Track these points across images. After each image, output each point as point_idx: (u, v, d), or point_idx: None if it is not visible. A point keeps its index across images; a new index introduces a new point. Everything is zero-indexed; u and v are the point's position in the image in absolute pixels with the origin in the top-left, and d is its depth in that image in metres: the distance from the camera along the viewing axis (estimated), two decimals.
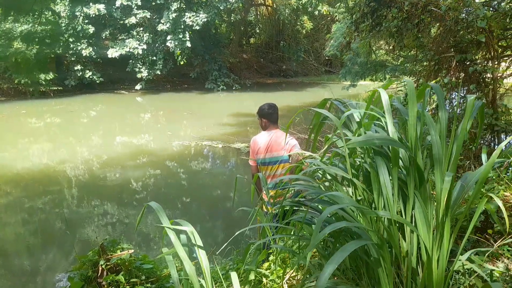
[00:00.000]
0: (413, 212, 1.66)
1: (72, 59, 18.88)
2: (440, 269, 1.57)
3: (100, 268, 2.17)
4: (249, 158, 3.56)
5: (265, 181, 2.77)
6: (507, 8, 4.13)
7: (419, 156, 1.69)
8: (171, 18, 18.52)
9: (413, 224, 1.67)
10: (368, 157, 1.82)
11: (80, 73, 19.08)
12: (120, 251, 2.34)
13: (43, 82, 17.72)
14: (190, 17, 18.69)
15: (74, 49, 18.45)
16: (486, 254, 1.89)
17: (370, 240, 1.58)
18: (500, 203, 1.51)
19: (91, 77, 19.30)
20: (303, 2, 24.07)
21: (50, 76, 17.86)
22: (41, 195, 7.15)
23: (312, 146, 2.27)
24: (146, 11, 18.81)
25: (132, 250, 2.37)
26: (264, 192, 2.84)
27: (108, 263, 2.20)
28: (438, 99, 1.85)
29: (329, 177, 2.10)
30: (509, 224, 1.70)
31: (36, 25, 16.16)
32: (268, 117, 3.44)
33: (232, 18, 22.48)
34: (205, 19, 18.85)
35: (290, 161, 3.37)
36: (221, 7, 19.72)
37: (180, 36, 18.68)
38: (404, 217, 1.71)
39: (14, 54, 16.85)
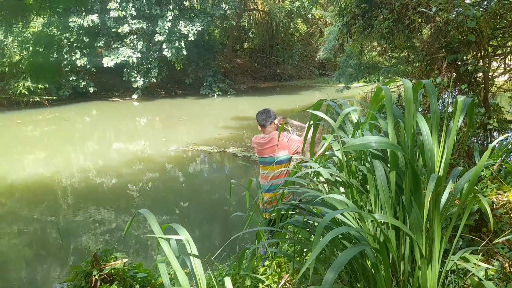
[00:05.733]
0: (406, 214, 1.66)
1: (67, 69, 18.80)
2: (433, 270, 1.56)
3: (94, 279, 2.14)
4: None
5: (259, 185, 2.76)
6: (497, 7, 4.16)
7: (414, 159, 1.68)
8: (166, 27, 18.48)
9: (407, 226, 1.66)
10: (365, 160, 1.80)
11: (75, 83, 19.02)
12: (114, 260, 2.31)
13: (38, 91, 17.64)
14: (185, 26, 18.68)
15: (68, 59, 18.39)
16: (481, 253, 1.88)
17: (368, 244, 1.57)
18: (486, 204, 1.50)
19: (85, 86, 19.25)
20: (297, 5, 24.23)
21: (45, 85, 17.77)
22: (37, 205, 7.09)
23: (310, 149, 2.25)
24: (141, 21, 18.75)
25: (126, 259, 2.34)
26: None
27: (101, 273, 2.17)
28: (430, 97, 1.83)
29: (322, 180, 2.08)
30: (501, 222, 1.70)
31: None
32: (263, 122, 3.71)
33: (225, 24, 22.50)
34: (200, 28, 18.85)
35: (289, 160, 3.53)
36: (216, 14, 19.71)
37: (176, 44, 18.67)
38: (397, 219, 1.70)
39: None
